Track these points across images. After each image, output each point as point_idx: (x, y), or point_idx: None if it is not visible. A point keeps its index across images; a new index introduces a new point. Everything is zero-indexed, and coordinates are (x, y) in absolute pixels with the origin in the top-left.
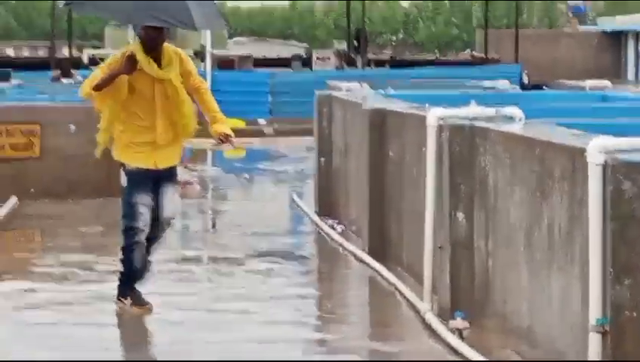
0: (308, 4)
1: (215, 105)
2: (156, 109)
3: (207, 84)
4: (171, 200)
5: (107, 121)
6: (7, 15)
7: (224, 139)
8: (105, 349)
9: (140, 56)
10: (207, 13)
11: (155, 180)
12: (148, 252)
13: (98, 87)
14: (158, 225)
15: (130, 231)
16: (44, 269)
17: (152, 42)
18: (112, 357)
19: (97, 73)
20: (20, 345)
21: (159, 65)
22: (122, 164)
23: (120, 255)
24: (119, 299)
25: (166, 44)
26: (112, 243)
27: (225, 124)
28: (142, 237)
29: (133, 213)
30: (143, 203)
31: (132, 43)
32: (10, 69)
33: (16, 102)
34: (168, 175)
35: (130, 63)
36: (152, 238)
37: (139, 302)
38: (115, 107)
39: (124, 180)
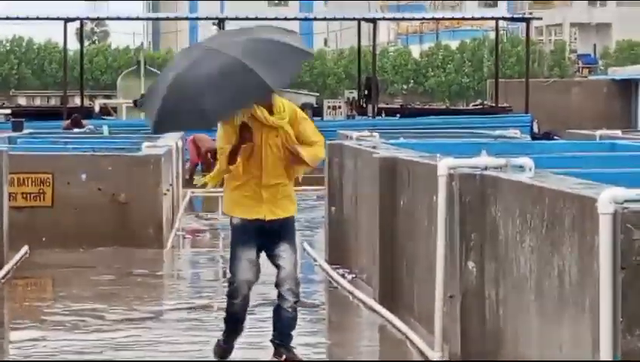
0: (318, 52)
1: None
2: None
3: (322, 140)
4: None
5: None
6: (19, 64)
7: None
8: None
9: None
10: (277, 61)
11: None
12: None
13: (230, 163)
14: (281, 286)
15: (230, 286)
16: (56, 318)
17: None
18: None
19: (221, 160)
20: None
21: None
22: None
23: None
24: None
25: (277, 98)
26: (123, 291)
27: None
28: (242, 292)
29: (234, 267)
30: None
31: None
32: (23, 119)
33: (28, 151)
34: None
35: (245, 132)
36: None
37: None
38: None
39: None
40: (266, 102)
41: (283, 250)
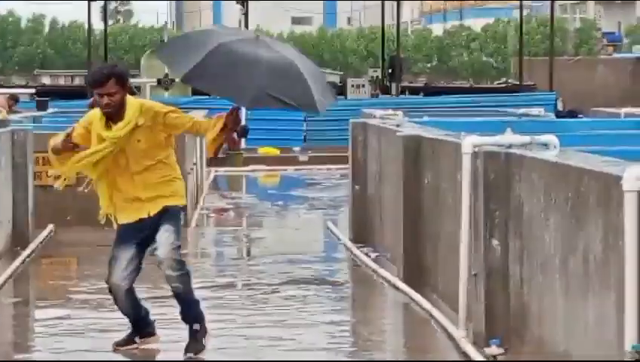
0: (338, 30)
1: (200, 125)
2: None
3: (188, 118)
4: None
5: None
6: (43, 44)
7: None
8: None
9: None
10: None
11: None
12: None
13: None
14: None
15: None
16: (81, 296)
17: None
18: None
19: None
20: None
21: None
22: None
23: None
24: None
25: (129, 101)
26: (147, 269)
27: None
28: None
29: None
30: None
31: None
32: (47, 98)
33: (52, 130)
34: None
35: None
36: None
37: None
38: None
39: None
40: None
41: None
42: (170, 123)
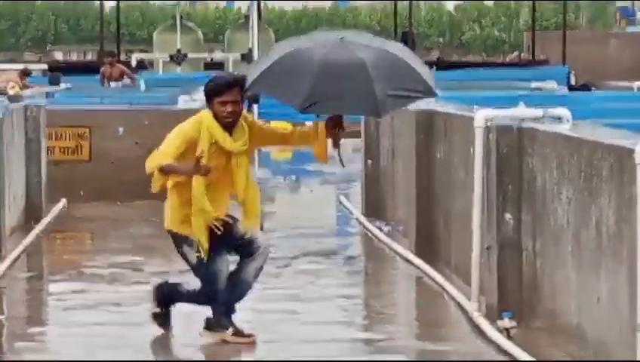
0: (351, 6)
1: (297, 129)
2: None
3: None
4: None
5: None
6: (55, 19)
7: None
8: (153, 349)
9: (217, 133)
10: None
11: None
12: None
13: (164, 172)
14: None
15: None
16: (94, 271)
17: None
18: (162, 356)
19: (167, 151)
20: (70, 344)
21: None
22: None
23: None
24: None
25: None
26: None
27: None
28: None
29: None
30: None
31: (205, 113)
32: (59, 73)
33: (65, 105)
34: None
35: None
36: None
37: None
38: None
39: None
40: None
41: None
42: (267, 133)
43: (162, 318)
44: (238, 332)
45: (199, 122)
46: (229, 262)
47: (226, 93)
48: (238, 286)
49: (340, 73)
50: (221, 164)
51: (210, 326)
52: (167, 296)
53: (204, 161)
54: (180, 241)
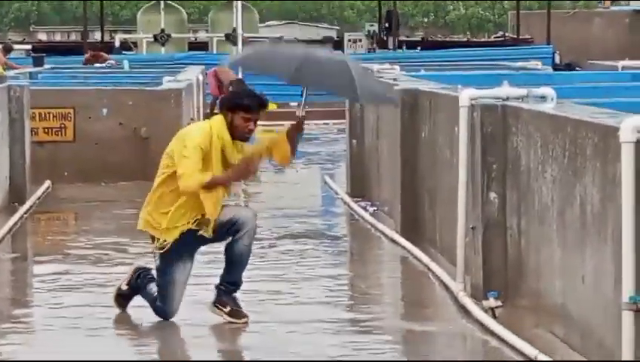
0: None
1: (262, 142)
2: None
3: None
4: None
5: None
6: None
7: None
8: (139, 331)
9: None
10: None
11: None
12: None
13: (209, 188)
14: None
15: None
16: (79, 252)
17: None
18: (147, 338)
19: (197, 168)
20: (56, 326)
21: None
22: None
23: None
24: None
25: None
26: None
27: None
28: None
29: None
30: None
31: (217, 120)
32: (43, 54)
33: (49, 86)
34: None
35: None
36: None
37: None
38: None
39: None
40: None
41: None
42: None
43: (124, 298)
44: (233, 313)
45: (208, 133)
46: (190, 273)
47: (254, 112)
48: (235, 261)
49: (321, 61)
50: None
51: (213, 302)
52: (138, 284)
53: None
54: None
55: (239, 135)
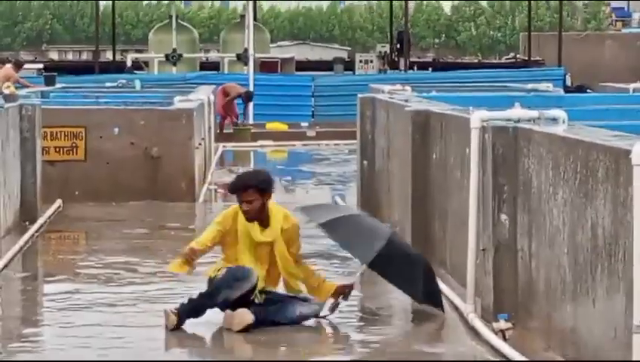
0: (347, 5)
1: (308, 274)
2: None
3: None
4: None
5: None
6: (51, 19)
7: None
8: (150, 350)
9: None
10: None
11: None
12: None
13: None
14: None
15: None
16: (89, 271)
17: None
18: (157, 358)
19: (203, 236)
20: (66, 346)
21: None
22: None
23: None
24: None
25: (272, 206)
26: (156, 244)
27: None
28: None
29: None
30: None
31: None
32: (55, 73)
33: (60, 105)
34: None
35: None
36: None
37: None
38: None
39: None
40: None
41: None
42: (290, 252)
43: (177, 321)
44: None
45: (231, 215)
46: None
47: (238, 194)
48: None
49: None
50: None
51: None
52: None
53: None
54: None
55: (245, 216)
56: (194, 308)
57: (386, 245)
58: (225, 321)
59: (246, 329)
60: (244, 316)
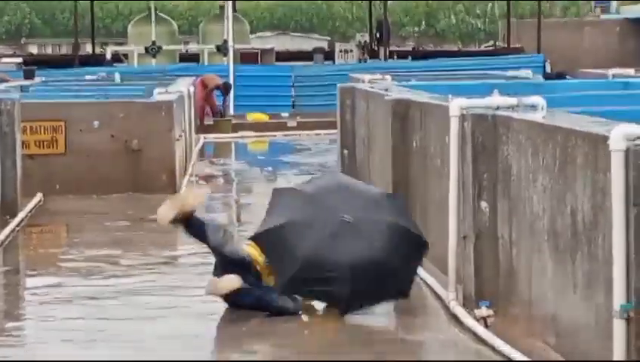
0: None
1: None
2: None
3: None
4: None
5: None
6: (30, 12)
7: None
8: (131, 343)
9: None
10: None
11: None
12: None
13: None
14: None
15: None
16: (71, 264)
17: None
18: (139, 351)
19: None
20: (47, 339)
21: None
22: None
23: None
24: None
25: None
26: (137, 237)
27: None
28: None
29: None
30: None
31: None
32: (34, 67)
33: (40, 99)
34: None
35: None
36: None
37: None
38: None
39: None
40: None
41: None
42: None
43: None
44: None
45: None
46: None
47: None
48: None
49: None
50: None
51: None
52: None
53: None
54: None
55: None
56: (200, 228)
57: (300, 269)
58: (209, 286)
59: (232, 298)
60: (233, 280)
